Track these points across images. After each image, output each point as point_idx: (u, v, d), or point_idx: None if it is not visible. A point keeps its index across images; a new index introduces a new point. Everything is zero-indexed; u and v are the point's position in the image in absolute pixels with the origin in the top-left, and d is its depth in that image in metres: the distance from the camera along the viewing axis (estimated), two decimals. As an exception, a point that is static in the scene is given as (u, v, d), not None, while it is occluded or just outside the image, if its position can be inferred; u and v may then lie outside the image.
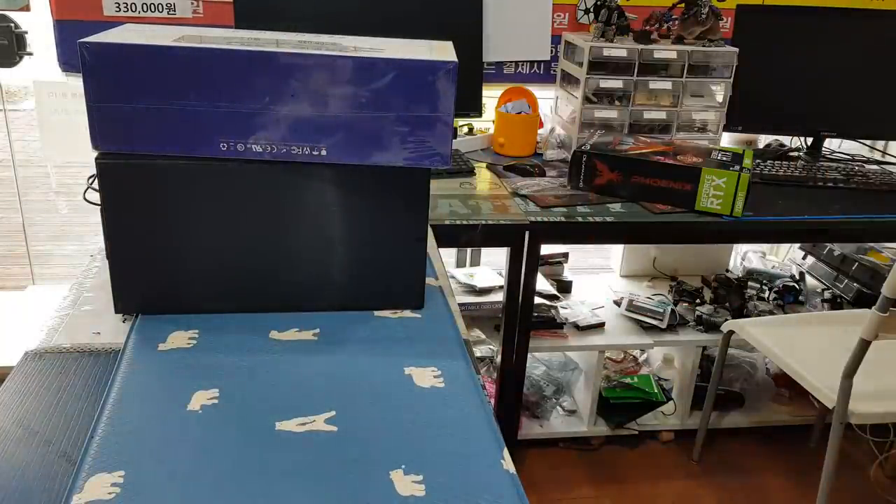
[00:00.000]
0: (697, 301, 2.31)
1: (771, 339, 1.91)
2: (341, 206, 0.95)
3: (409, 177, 0.95)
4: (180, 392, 0.82)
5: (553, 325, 2.11)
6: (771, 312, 2.29)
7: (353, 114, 0.88)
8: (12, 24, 2.04)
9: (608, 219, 1.79)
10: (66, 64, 2.04)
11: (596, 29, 2.11)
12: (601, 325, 2.16)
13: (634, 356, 2.40)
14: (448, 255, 2.50)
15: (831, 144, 2.44)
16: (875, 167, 2.26)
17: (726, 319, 2.11)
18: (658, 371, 2.39)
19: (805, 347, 1.87)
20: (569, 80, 2.20)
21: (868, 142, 2.44)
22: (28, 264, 2.45)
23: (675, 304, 2.30)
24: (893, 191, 2.06)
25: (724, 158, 1.85)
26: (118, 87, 0.86)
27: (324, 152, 0.90)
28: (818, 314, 2.25)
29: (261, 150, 0.90)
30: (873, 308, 1.54)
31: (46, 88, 2.11)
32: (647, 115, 2.12)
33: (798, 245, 2.59)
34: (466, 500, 0.69)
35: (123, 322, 0.98)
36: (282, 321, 0.97)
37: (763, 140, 2.49)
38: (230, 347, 0.91)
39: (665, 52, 2.06)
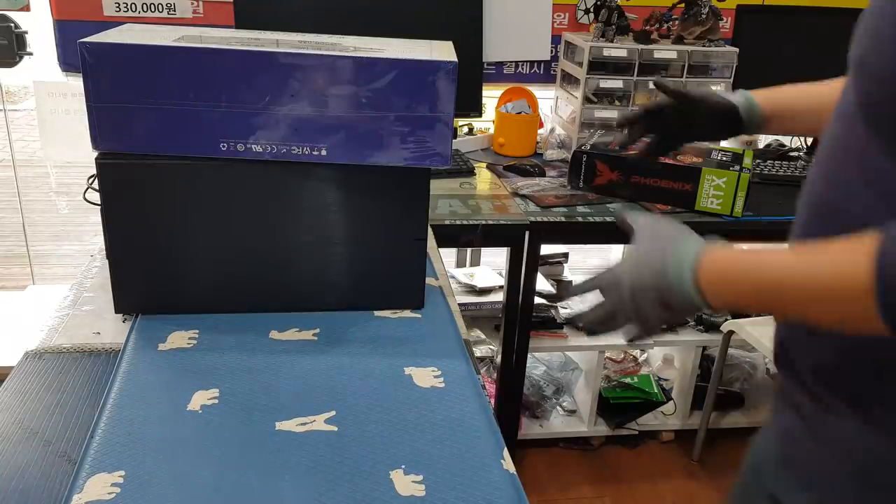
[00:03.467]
0: (697, 301, 2.31)
1: (771, 339, 1.90)
2: (341, 206, 0.95)
3: (409, 177, 0.95)
4: (180, 392, 0.82)
5: (553, 325, 2.11)
6: (771, 312, 2.28)
7: (353, 114, 0.88)
8: (12, 24, 2.04)
9: (608, 219, 1.79)
10: (66, 64, 2.04)
11: (596, 29, 2.10)
12: (601, 325, 2.15)
13: (634, 356, 2.40)
14: (448, 255, 2.50)
15: (831, 144, 2.44)
16: (875, 167, 2.26)
17: (726, 319, 2.11)
18: (658, 371, 2.39)
19: (805, 347, 1.87)
20: (569, 80, 2.20)
21: (868, 142, 2.44)
22: (28, 264, 2.45)
23: (675, 304, 2.29)
24: (893, 191, 2.05)
25: (724, 158, 1.85)
26: (118, 87, 0.86)
27: (324, 152, 0.90)
28: (818, 314, 2.24)
29: (261, 150, 0.90)
30: (873, 308, 1.54)
31: (46, 88, 2.11)
32: (647, 115, 2.12)
33: (798, 245, 2.58)
34: (466, 500, 0.69)
35: (123, 322, 0.98)
36: (282, 321, 0.97)
37: (763, 140, 2.49)
38: (230, 347, 0.91)
39: (665, 52, 2.06)
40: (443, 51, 0.94)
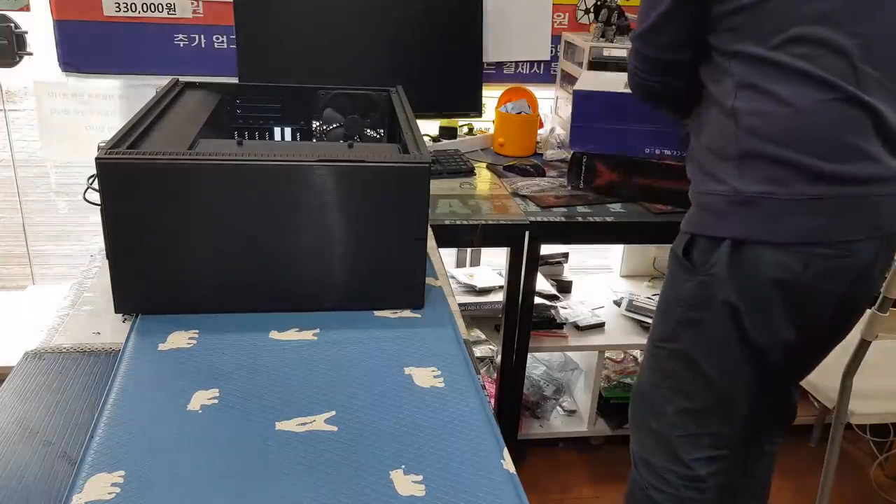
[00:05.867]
0: (697, 301, 2.31)
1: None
2: (341, 206, 0.95)
3: (409, 177, 0.95)
4: (180, 392, 0.82)
5: (553, 325, 2.11)
6: (771, 312, 2.28)
7: None
8: (12, 24, 2.04)
9: (608, 219, 1.79)
10: (66, 64, 2.04)
11: (596, 29, 2.11)
12: (601, 325, 2.16)
13: (634, 356, 2.40)
14: (448, 255, 2.50)
15: (831, 144, 2.44)
16: (875, 167, 2.26)
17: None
18: (658, 371, 2.38)
19: (805, 347, 1.87)
20: (569, 80, 2.20)
21: (868, 142, 2.44)
22: (28, 264, 2.45)
23: (675, 304, 2.29)
24: (893, 191, 2.05)
25: (724, 158, 1.85)
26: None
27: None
28: (818, 314, 2.24)
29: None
30: (873, 308, 1.54)
31: (46, 88, 2.11)
32: (647, 115, 2.12)
33: (798, 245, 2.58)
34: (466, 500, 0.69)
35: (123, 322, 0.98)
36: (282, 321, 0.97)
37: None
38: (230, 347, 0.91)
39: (665, 52, 2.06)
40: None
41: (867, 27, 1.09)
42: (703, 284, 1.21)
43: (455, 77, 2.10)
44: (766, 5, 1.10)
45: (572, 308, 2.24)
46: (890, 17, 1.11)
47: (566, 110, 2.21)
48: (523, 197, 1.87)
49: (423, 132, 1.16)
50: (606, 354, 2.24)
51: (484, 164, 2.11)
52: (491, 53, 2.23)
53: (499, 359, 1.99)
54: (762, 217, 1.13)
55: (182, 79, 1.30)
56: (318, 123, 1.34)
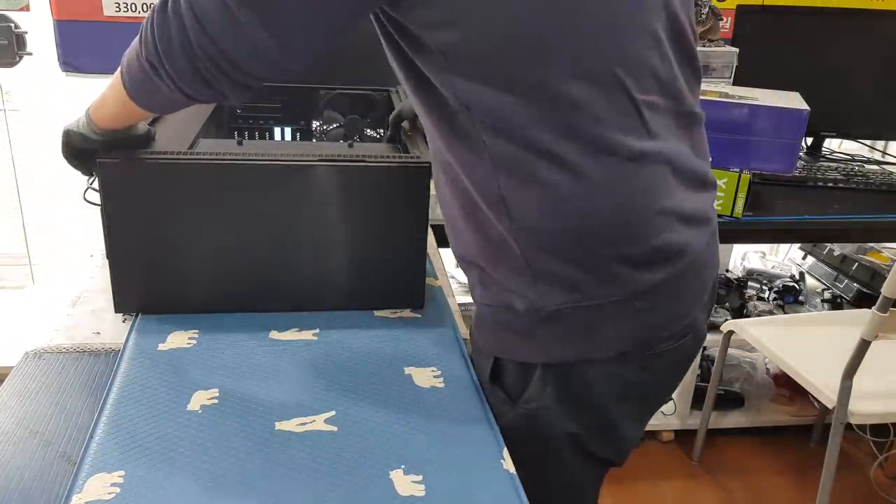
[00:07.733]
0: (697, 301, 2.31)
1: (771, 339, 1.91)
2: (341, 206, 0.95)
3: (409, 177, 0.95)
4: (180, 392, 0.82)
5: (553, 325, 2.10)
6: (771, 312, 2.28)
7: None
8: (12, 24, 2.03)
9: (608, 219, 1.78)
10: (66, 64, 2.04)
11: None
12: (601, 325, 2.15)
13: (634, 356, 2.39)
14: (448, 255, 2.49)
15: (831, 144, 2.44)
16: (875, 167, 2.26)
17: (726, 319, 2.11)
18: (658, 371, 2.38)
19: (805, 347, 1.87)
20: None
21: (868, 142, 2.44)
22: (28, 264, 2.45)
23: (675, 304, 2.29)
24: (893, 191, 2.05)
25: (724, 158, 1.85)
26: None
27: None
28: (818, 314, 2.25)
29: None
30: (873, 308, 1.54)
31: (46, 88, 2.11)
32: (647, 115, 2.11)
33: (798, 245, 2.59)
34: (466, 500, 0.69)
35: (123, 322, 0.98)
36: (282, 321, 0.97)
37: (763, 140, 2.49)
38: (230, 347, 0.91)
39: (665, 52, 2.06)
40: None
41: (624, 46, 0.78)
42: (527, 417, 0.90)
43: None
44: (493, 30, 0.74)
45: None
46: (645, 26, 0.80)
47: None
48: (523, 197, 1.86)
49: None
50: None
51: (484, 164, 2.10)
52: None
53: (499, 359, 1.98)
54: (576, 331, 0.85)
55: (182, 79, 1.30)
56: (318, 123, 1.34)
